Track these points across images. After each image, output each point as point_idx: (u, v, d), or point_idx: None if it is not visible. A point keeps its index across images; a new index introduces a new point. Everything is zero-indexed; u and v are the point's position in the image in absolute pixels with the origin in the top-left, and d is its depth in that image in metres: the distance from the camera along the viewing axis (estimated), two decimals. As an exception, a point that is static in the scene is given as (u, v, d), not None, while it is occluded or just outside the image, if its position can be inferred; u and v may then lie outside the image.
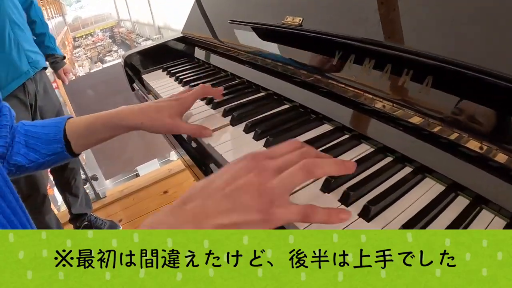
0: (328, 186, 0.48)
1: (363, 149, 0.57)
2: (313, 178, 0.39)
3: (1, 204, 0.43)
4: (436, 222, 0.42)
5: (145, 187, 2.32)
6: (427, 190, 0.47)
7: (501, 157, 0.42)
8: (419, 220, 0.41)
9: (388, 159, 0.54)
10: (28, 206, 1.45)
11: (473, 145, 0.44)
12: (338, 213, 0.38)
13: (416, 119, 0.51)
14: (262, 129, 0.64)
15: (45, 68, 1.67)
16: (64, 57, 1.92)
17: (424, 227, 0.41)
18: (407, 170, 0.51)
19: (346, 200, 0.45)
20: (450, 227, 0.40)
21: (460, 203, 0.44)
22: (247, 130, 0.67)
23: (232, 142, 0.65)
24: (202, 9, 1.27)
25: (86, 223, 1.92)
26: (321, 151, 0.56)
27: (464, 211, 0.43)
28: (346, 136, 0.61)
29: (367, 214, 0.42)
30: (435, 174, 0.48)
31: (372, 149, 0.56)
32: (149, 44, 1.42)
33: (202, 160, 0.68)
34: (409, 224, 0.40)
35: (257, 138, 0.64)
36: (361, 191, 0.46)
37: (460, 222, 0.41)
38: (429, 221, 0.42)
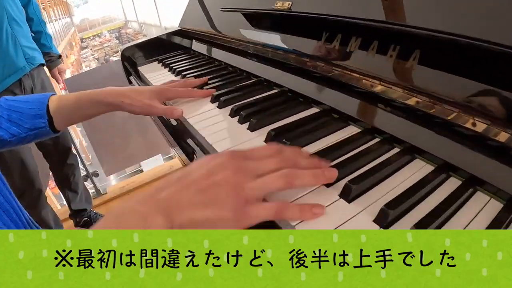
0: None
1: (350, 131, 0.54)
2: (290, 188, 0.38)
3: None
4: (425, 203, 0.39)
5: (146, 183, 2.31)
6: (416, 171, 0.44)
7: (498, 135, 0.39)
8: (404, 200, 0.38)
9: (376, 140, 0.51)
10: (24, 201, 1.45)
11: (465, 121, 0.42)
12: (311, 208, 0.38)
13: (404, 97, 0.48)
14: (247, 112, 0.62)
15: (43, 64, 1.66)
16: (60, 56, 1.92)
17: (411, 207, 0.38)
18: (395, 151, 0.48)
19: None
20: (439, 207, 0.37)
21: (453, 183, 0.41)
22: (233, 114, 0.64)
23: (216, 124, 0.64)
24: (198, 1, 1.25)
25: (86, 218, 1.91)
26: (308, 132, 0.53)
27: (456, 191, 0.40)
28: (334, 117, 0.58)
29: (347, 194, 0.40)
30: (426, 155, 0.45)
31: (359, 130, 0.53)
32: (147, 37, 1.41)
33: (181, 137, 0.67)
34: (392, 205, 0.37)
35: (242, 121, 0.61)
36: (344, 171, 0.44)
37: (451, 203, 0.38)
38: (417, 201, 0.39)
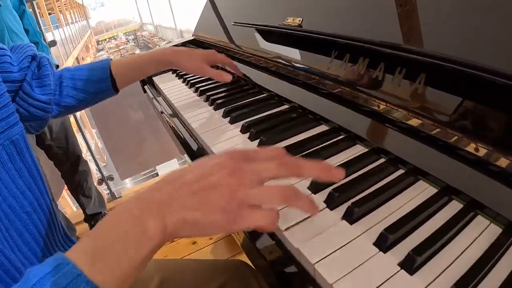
0: (316, 187, 0.47)
1: (356, 150, 0.56)
2: (287, 205, 0.36)
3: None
4: (426, 225, 0.40)
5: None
6: (419, 193, 0.45)
7: (498, 160, 0.40)
8: (405, 224, 0.39)
9: (382, 160, 0.52)
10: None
11: (470, 147, 0.43)
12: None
13: (407, 118, 0.50)
14: (257, 129, 0.64)
15: None
16: (58, 66, 1.96)
17: (411, 231, 0.40)
18: (400, 172, 0.49)
19: (331, 202, 0.44)
20: (440, 230, 0.39)
21: (454, 207, 0.43)
22: (243, 131, 0.67)
23: (229, 140, 0.66)
24: (211, 11, 1.28)
25: (101, 222, 1.95)
26: (316, 150, 0.55)
27: (457, 215, 0.41)
28: (342, 136, 0.60)
29: (350, 216, 0.41)
30: (429, 177, 0.47)
31: (366, 150, 0.55)
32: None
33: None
34: (392, 229, 0.38)
35: (252, 138, 0.64)
36: (348, 194, 0.45)
37: (451, 226, 0.39)
38: (417, 225, 0.40)
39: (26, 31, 1.74)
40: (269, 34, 0.87)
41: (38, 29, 1.84)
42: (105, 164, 4.31)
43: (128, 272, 0.32)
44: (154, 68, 0.85)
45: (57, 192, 1.81)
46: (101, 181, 2.28)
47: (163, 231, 0.33)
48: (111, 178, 2.36)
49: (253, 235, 0.45)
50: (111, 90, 0.79)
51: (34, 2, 2.30)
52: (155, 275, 0.68)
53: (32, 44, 0.69)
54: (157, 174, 3.53)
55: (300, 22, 0.72)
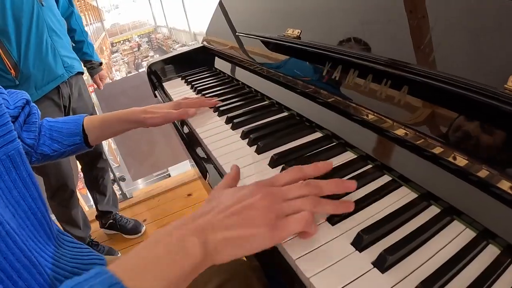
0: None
1: (347, 156, 0.59)
2: (314, 211, 0.42)
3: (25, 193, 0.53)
4: (403, 228, 0.43)
5: (170, 189, 2.40)
6: (400, 198, 0.49)
7: (479, 171, 0.42)
8: (381, 226, 0.43)
9: (368, 166, 0.56)
10: (57, 199, 1.56)
11: (451, 157, 0.46)
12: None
13: (394, 127, 0.53)
14: (255, 136, 0.68)
15: (81, 73, 1.78)
16: (101, 64, 2.03)
17: (388, 233, 0.43)
18: (385, 178, 0.53)
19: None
20: (414, 232, 0.42)
21: (432, 212, 0.46)
22: (243, 137, 0.71)
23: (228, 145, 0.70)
24: (222, 19, 1.32)
25: (111, 221, 2.01)
26: (308, 157, 0.59)
27: (434, 219, 0.44)
28: (334, 143, 0.63)
29: (331, 219, 0.45)
30: (411, 183, 0.50)
31: (354, 157, 0.59)
32: (172, 53, 1.49)
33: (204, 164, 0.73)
34: (367, 231, 0.42)
35: (250, 144, 0.68)
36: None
37: (427, 229, 0.42)
38: (394, 228, 0.44)
39: (74, 30, 1.84)
40: (270, 44, 0.91)
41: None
42: (118, 165, 4.38)
43: (165, 286, 0.34)
44: (122, 127, 0.84)
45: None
46: (113, 181, 2.34)
47: (205, 249, 0.36)
48: (123, 179, 2.42)
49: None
50: (83, 144, 0.80)
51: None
52: None
53: (25, 92, 0.73)
54: (169, 175, 3.58)
55: (299, 33, 0.76)
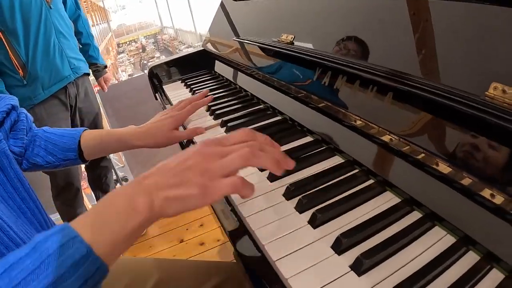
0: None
1: (335, 161, 0.60)
2: (250, 166, 0.44)
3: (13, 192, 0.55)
4: (387, 230, 0.44)
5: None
6: (383, 203, 0.50)
7: (463, 179, 0.43)
8: (362, 230, 0.44)
9: (355, 171, 0.57)
10: (62, 198, 1.59)
11: (435, 164, 0.47)
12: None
13: (379, 133, 0.54)
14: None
15: (88, 74, 1.81)
16: (106, 66, 2.07)
17: (368, 237, 0.44)
18: (370, 182, 0.54)
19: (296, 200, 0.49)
20: (394, 237, 0.43)
21: (413, 217, 0.47)
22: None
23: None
24: (223, 19, 1.34)
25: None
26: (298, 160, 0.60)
27: (415, 224, 0.45)
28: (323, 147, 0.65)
29: (313, 221, 0.46)
30: (395, 188, 0.51)
31: (342, 161, 0.60)
32: (174, 56, 1.50)
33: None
34: (347, 234, 0.43)
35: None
36: (315, 201, 0.51)
37: (406, 234, 0.43)
38: (377, 230, 0.45)
39: (80, 33, 1.88)
40: (265, 49, 0.92)
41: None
42: (123, 165, 4.41)
43: (118, 239, 0.39)
44: (120, 148, 0.83)
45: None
46: (116, 182, 2.36)
47: (151, 207, 0.40)
48: (125, 179, 2.44)
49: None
50: (77, 159, 0.79)
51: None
52: (154, 273, 0.73)
53: (14, 98, 0.72)
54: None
55: (292, 39, 0.77)
